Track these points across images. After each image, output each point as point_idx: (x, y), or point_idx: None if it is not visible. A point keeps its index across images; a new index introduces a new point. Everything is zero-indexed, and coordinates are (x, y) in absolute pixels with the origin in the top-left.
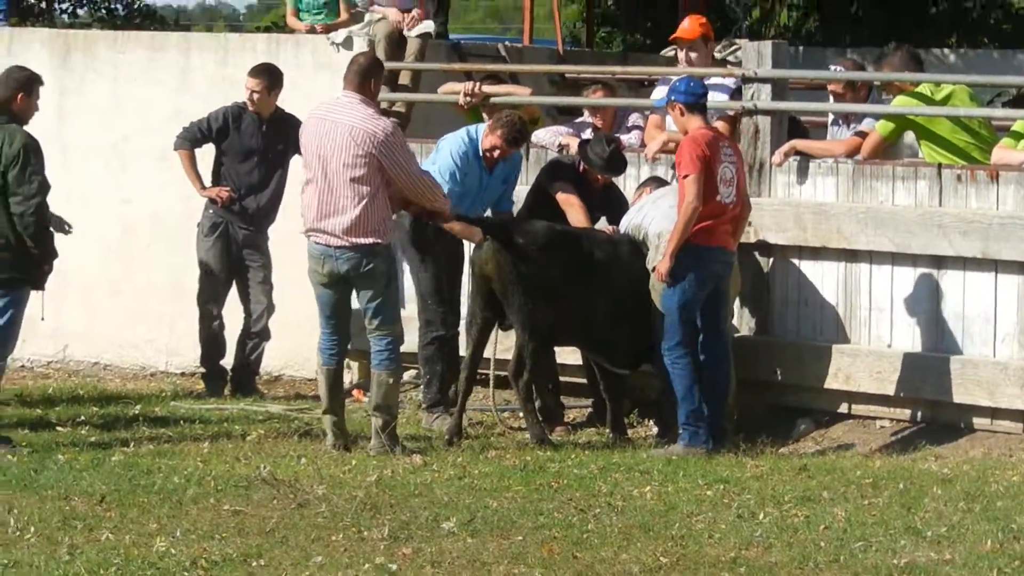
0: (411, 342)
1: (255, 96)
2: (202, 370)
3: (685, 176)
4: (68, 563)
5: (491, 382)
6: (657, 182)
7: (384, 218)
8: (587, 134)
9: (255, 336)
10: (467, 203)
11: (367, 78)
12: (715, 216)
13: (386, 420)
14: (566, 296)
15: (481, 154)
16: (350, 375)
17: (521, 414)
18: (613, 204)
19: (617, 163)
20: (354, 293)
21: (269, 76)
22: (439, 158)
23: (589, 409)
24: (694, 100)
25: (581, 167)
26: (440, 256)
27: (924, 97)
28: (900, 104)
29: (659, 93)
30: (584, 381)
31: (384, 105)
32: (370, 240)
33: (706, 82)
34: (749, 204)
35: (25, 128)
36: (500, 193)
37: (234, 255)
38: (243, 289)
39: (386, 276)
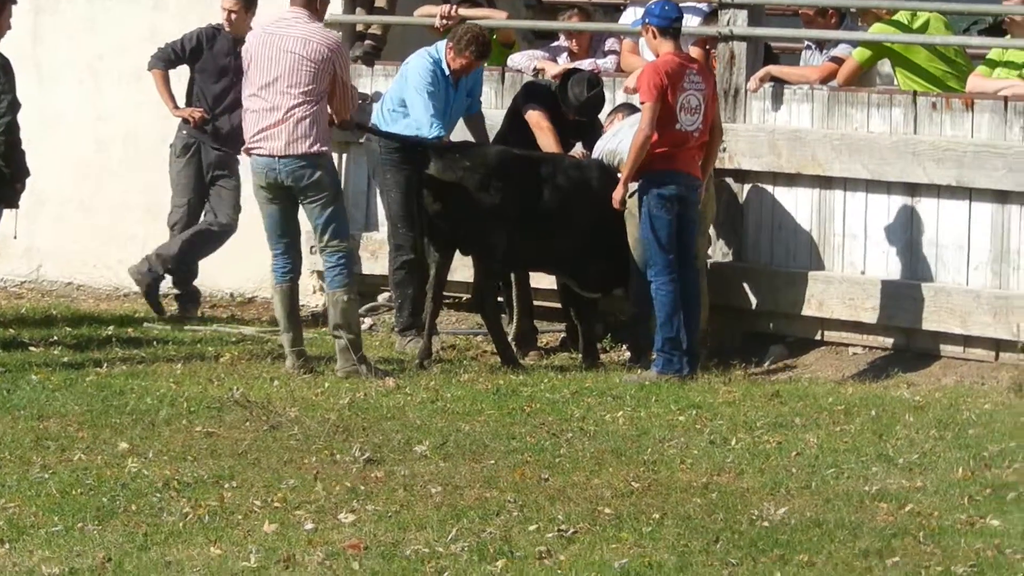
0: (385, 266)
1: (232, 16)
2: (175, 291)
3: (642, 103)
4: (40, 483)
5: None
6: (629, 108)
7: (320, 126)
8: (563, 59)
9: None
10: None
11: None
12: (675, 144)
13: (350, 339)
14: (524, 221)
15: (449, 75)
16: (324, 297)
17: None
18: (586, 129)
19: (590, 110)
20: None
21: None
22: (410, 85)
23: (563, 333)
24: (667, 24)
25: (551, 86)
26: (411, 179)
27: (901, 25)
28: (876, 32)
29: (629, 16)
30: (558, 305)
31: (360, 27)
32: (314, 148)
33: (681, 6)
34: (721, 131)
35: None
36: (468, 104)
37: (205, 176)
38: (208, 204)
39: (332, 187)
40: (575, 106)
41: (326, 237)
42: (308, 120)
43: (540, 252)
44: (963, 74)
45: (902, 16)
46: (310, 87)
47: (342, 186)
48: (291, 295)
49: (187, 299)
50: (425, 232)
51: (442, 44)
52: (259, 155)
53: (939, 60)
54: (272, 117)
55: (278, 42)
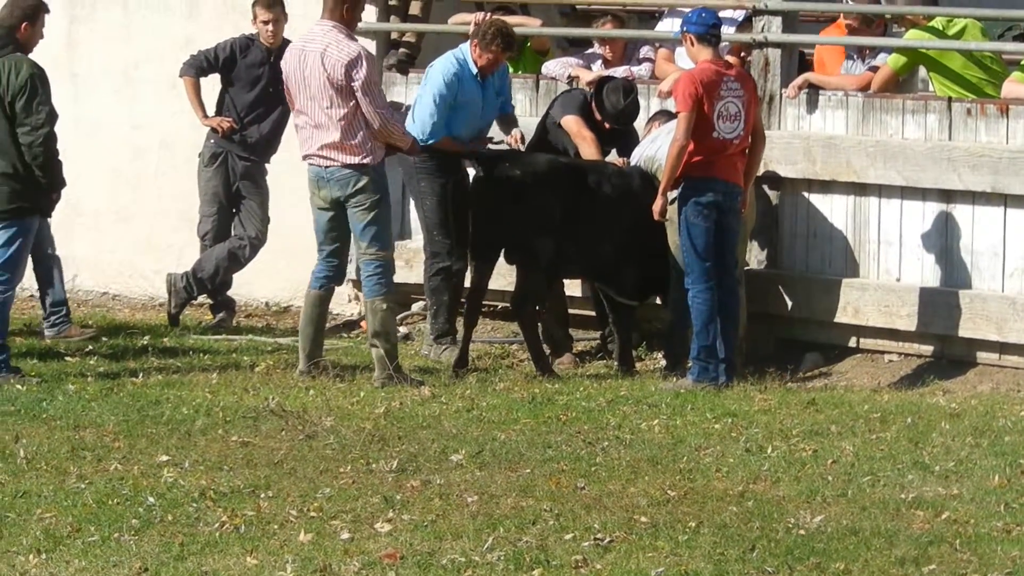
0: (420, 275)
1: (271, 27)
2: (209, 301)
3: (678, 113)
4: (77, 493)
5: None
6: (667, 115)
7: (366, 140)
8: (597, 66)
9: (229, 254)
10: (470, 123)
11: (341, 3)
12: (714, 152)
13: (386, 349)
14: (569, 229)
15: (476, 74)
16: (358, 307)
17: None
18: (620, 136)
19: (626, 118)
20: None
21: (281, 6)
22: (428, 85)
23: (597, 341)
24: (705, 31)
25: (586, 95)
26: (446, 187)
27: (936, 31)
28: (912, 38)
29: (667, 24)
30: (592, 313)
31: (395, 35)
32: (355, 159)
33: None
34: (763, 136)
35: (30, 57)
36: (499, 103)
37: (232, 186)
38: (237, 217)
39: (375, 197)
40: (612, 115)
41: (364, 244)
42: (344, 131)
43: (584, 261)
44: (999, 80)
45: (938, 23)
46: (337, 99)
47: None
48: (319, 302)
49: (222, 308)
50: (468, 240)
51: (466, 45)
52: (310, 165)
53: (975, 67)
54: (315, 131)
55: (303, 57)
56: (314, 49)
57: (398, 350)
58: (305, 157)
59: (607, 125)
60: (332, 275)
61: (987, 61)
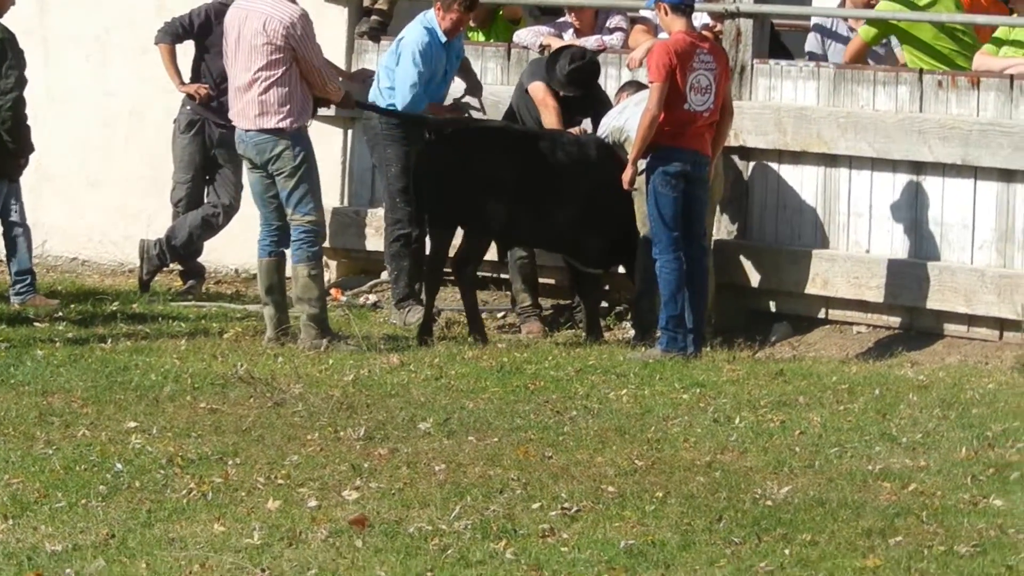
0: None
1: None
2: (179, 268)
3: (651, 83)
4: (44, 459)
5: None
6: (636, 86)
7: (289, 102)
8: (569, 35)
9: (203, 221)
10: (436, 88)
11: None
12: (683, 123)
13: (312, 314)
14: (522, 196)
15: (444, 38)
16: (328, 273)
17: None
18: (594, 104)
19: (577, 84)
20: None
21: None
22: (405, 58)
23: (566, 310)
24: (679, 1)
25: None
26: (409, 154)
27: (908, 2)
28: (884, 9)
29: None
30: (554, 282)
31: (367, 2)
32: (271, 123)
33: None
34: (732, 111)
35: (0, 22)
36: (458, 64)
37: (209, 152)
38: (211, 185)
39: (295, 162)
40: (559, 80)
41: (290, 210)
42: (270, 96)
43: (539, 229)
44: (970, 52)
45: None
46: (269, 65)
47: (346, 162)
48: (274, 269)
49: (192, 275)
50: (424, 207)
51: (431, 12)
52: (236, 127)
53: (946, 38)
54: (240, 93)
55: (246, 18)
56: (258, 12)
57: (326, 313)
58: (229, 119)
59: (560, 93)
60: (278, 239)
61: (959, 32)
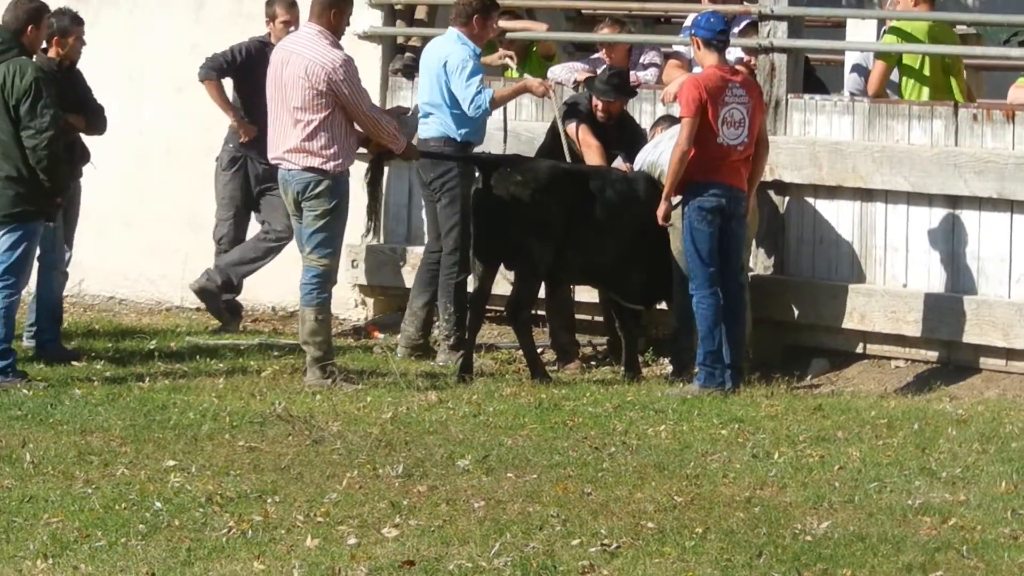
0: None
1: (293, 27)
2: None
3: (681, 118)
4: (83, 498)
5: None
6: (671, 120)
7: (332, 146)
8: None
9: (257, 248)
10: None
11: (328, 9)
12: (717, 158)
13: (317, 356)
14: (571, 235)
15: (479, 51)
16: (365, 311)
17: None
18: (629, 139)
19: (622, 87)
20: None
21: (296, 6)
22: (459, 69)
23: (604, 347)
24: (712, 36)
25: (594, 103)
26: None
27: (905, 34)
28: (888, 41)
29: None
30: (599, 319)
31: (400, 40)
32: (316, 163)
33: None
34: (767, 144)
35: (35, 60)
36: None
37: (253, 189)
38: (259, 215)
39: (329, 204)
40: (606, 88)
41: (308, 249)
42: (315, 139)
43: (587, 266)
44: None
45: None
46: (312, 108)
47: (382, 198)
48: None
49: (230, 312)
50: (472, 246)
51: (453, 31)
52: (278, 167)
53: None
54: (284, 134)
55: (289, 61)
56: (300, 55)
57: (332, 354)
58: (272, 159)
59: (602, 107)
60: None
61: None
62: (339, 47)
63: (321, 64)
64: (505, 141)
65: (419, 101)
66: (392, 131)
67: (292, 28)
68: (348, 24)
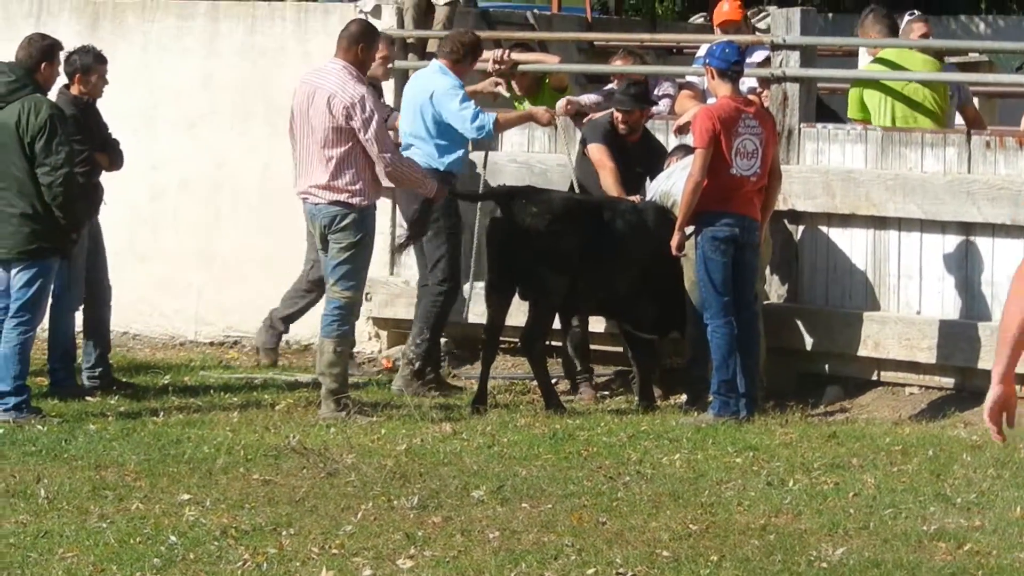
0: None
1: (392, 62)
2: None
3: (694, 148)
4: (98, 533)
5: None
6: (685, 150)
7: (359, 180)
8: None
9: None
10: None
11: (354, 44)
12: (730, 188)
13: (332, 388)
14: (584, 266)
15: (463, 83)
16: (379, 343)
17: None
18: (653, 157)
19: (640, 96)
20: None
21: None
22: (448, 96)
23: (610, 376)
24: (726, 67)
25: (614, 117)
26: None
27: (891, 63)
28: (872, 70)
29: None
30: (614, 349)
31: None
32: (342, 197)
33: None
34: (780, 175)
35: (58, 97)
36: None
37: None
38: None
39: (354, 238)
40: (626, 98)
41: (331, 281)
42: (342, 175)
43: (600, 296)
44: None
45: (888, 53)
46: (337, 142)
47: (395, 233)
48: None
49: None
50: (486, 278)
51: (436, 63)
52: (304, 201)
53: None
54: (311, 168)
55: (314, 94)
56: (324, 89)
57: (346, 387)
58: (299, 194)
59: (622, 125)
60: None
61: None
62: (363, 82)
63: (341, 98)
64: (482, 184)
65: (401, 132)
66: (417, 177)
67: (391, 64)
68: (375, 60)
